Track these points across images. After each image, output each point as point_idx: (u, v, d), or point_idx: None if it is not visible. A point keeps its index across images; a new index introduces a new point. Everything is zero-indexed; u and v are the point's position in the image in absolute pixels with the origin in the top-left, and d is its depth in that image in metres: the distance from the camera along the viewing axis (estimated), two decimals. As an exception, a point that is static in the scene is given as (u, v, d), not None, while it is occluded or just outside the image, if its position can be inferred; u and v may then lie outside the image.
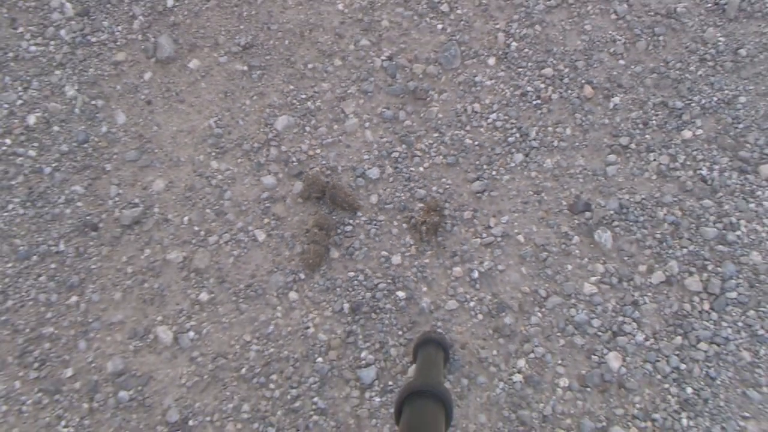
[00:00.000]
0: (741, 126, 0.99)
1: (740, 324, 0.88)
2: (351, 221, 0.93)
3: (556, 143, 0.98)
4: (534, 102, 1.00)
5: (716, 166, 0.97)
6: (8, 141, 0.98)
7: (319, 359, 0.87)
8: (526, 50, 1.03)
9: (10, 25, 1.04)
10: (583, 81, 1.01)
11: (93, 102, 1.00)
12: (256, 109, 1.00)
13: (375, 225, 0.93)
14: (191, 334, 0.88)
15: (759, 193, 0.95)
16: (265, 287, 0.90)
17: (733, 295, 0.89)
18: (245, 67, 1.02)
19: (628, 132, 0.99)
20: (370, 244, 0.92)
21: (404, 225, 0.93)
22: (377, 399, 0.85)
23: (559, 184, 0.96)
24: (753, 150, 0.97)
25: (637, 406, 0.85)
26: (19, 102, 1.00)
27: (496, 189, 0.95)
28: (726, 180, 0.96)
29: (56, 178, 0.96)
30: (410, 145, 0.98)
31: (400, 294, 0.90)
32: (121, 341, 0.89)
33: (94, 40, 1.04)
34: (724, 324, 0.88)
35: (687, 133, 0.98)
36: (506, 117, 0.99)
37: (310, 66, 1.02)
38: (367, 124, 0.99)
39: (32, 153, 0.97)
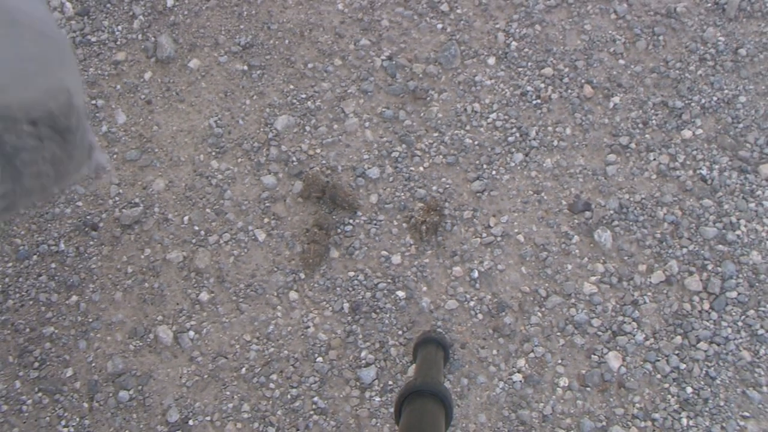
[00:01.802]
0: (741, 126, 0.99)
1: (740, 324, 0.89)
2: (351, 221, 0.93)
3: (555, 143, 0.98)
4: (534, 102, 1.00)
5: (716, 166, 0.97)
6: (8, 141, 0.98)
7: (319, 359, 0.87)
8: (526, 50, 1.03)
9: (10, 25, 1.04)
10: (583, 81, 1.01)
11: (93, 101, 1.00)
12: (256, 108, 1.00)
13: (375, 225, 0.93)
14: (191, 333, 0.88)
15: (759, 192, 0.95)
16: (265, 287, 0.90)
17: (733, 294, 0.89)
18: (245, 67, 1.02)
19: (627, 132, 0.99)
20: (370, 243, 0.92)
21: (404, 225, 0.93)
22: (377, 399, 0.85)
23: (559, 184, 0.96)
24: (753, 149, 0.97)
25: (637, 405, 0.85)
26: (19, 102, 1.00)
27: (496, 189, 0.95)
28: (726, 180, 0.96)
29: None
30: (410, 144, 0.98)
31: (400, 294, 0.90)
32: (122, 341, 0.89)
33: (94, 39, 1.04)
34: (724, 324, 0.88)
35: (687, 133, 0.98)
36: (506, 117, 0.99)
37: (310, 66, 1.02)
38: (367, 124, 0.99)
39: (32, 153, 0.97)
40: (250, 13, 1.06)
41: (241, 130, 0.99)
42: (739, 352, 0.87)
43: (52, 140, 0.47)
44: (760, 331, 0.88)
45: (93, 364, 0.88)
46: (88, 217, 0.94)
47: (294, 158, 0.97)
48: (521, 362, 0.87)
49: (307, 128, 0.99)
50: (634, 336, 0.88)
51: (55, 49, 0.47)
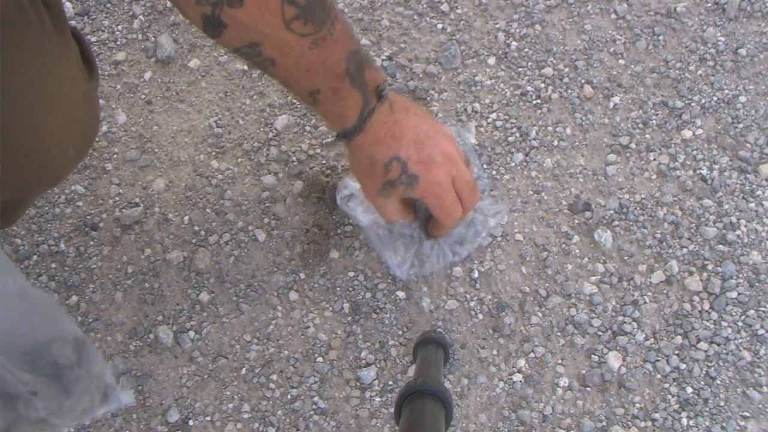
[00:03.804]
0: (741, 126, 0.99)
1: (740, 324, 0.89)
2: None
3: (556, 143, 0.98)
4: (534, 102, 1.00)
5: (716, 166, 0.97)
6: (8, 141, 0.98)
7: (319, 359, 0.87)
8: (526, 50, 1.03)
9: (10, 25, 1.04)
10: (583, 81, 1.01)
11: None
12: (256, 108, 1.00)
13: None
14: (191, 334, 0.88)
15: (759, 192, 0.95)
16: (265, 287, 0.90)
17: (733, 294, 0.89)
18: (245, 67, 1.02)
19: (628, 131, 0.99)
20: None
21: (404, 225, 0.93)
22: (377, 399, 0.85)
23: (559, 184, 0.96)
24: (753, 150, 0.97)
25: (637, 405, 0.85)
26: (19, 102, 1.00)
27: (496, 188, 0.95)
28: (726, 180, 0.96)
29: (60, 184, 0.96)
30: (410, 144, 0.98)
31: (400, 294, 0.90)
32: (122, 341, 0.89)
33: (94, 39, 1.04)
34: (724, 324, 0.88)
35: (687, 133, 0.99)
36: (506, 116, 0.99)
37: (310, 66, 1.02)
38: (367, 124, 0.99)
39: (32, 153, 0.97)
40: (250, 13, 1.06)
41: (241, 130, 0.99)
42: (739, 352, 0.87)
43: (50, 388, 0.48)
44: (761, 331, 0.88)
45: (93, 365, 0.88)
46: (88, 217, 0.94)
47: (294, 158, 0.97)
48: (521, 362, 0.87)
49: (308, 128, 0.99)
50: (634, 336, 0.88)
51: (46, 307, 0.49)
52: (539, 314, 0.89)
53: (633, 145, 0.98)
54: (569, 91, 1.01)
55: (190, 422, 0.85)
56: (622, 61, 1.03)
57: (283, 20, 0.56)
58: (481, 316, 0.89)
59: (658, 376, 0.87)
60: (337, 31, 0.61)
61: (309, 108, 0.68)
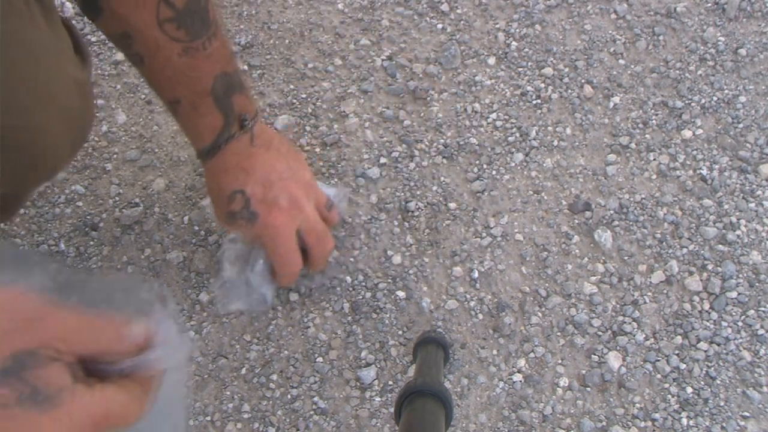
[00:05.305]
0: (741, 126, 0.99)
1: (740, 324, 0.89)
2: (351, 221, 0.93)
3: (556, 143, 0.98)
4: (534, 102, 1.00)
5: (716, 166, 0.97)
6: (8, 141, 0.98)
7: (319, 359, 0.87)
8: (526, 50, 1.03)
9: (10, 25, 1.04)
10: (583, 81, 1.01)
11: (93, 101, 1.00)
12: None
13: (375, 224, 0.93)
14: (191, 334, 0.88)
15: (759, 192, 0.95)
16: (265, 287, 0.90)
17: (733, 294, 0.89)
18: (245, 67, 1.02)
19: (628, 132, 0.99)
20: (371, 243, 0.92)
21: (405, 224, 0.93)
22: (377, 399, 0.85)
23: (559, 184, 0.96)
24: (753, 150, 0.97)
25: (637, 405, 0.85)
26: (19, 102, 1.00)
27: (496, 189, 0.95)
28: (726, 180, 0.96)
29: (56, 177, 0.96)
30: (410, 144, 0.98)
31: (400, 294, 0.90)
32: (122, 341, 0.88)
33: (94, 39, 1.04)
34: (724, 324, 0.88)
35: (687, 133, 0.99)
36: (506, 116, 0.99)
37: (310, 65, 1.02)
38: (367, 124, 0.99)
39: (32, 153, 0.97)
40: (250, 13, 1.06)
41: (241, 130, 0.99)
42: (739, 352, 0.87)
43: None
44: (760, 331, 0.88)
45: (93, 364, 0.88)
46: (88, 217, 0.94)
47: (294, 158, 0.97)
48: (521, 362, 0.87)
49: (307, 128, 0.99)
50: (634, 336, 0.88)
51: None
52: (539, 314, 0.89)
53: (633, 145, 0.98)
54: (569, 91, 1.01)
55: (190, 422, 0.85)
56: (622, 61, 1.03)
57: (156, 19, 0.57)
58: (481, 316, 0.89)
59: (658, 376, 0.87)
60: (213, 48, 0.62)
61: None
